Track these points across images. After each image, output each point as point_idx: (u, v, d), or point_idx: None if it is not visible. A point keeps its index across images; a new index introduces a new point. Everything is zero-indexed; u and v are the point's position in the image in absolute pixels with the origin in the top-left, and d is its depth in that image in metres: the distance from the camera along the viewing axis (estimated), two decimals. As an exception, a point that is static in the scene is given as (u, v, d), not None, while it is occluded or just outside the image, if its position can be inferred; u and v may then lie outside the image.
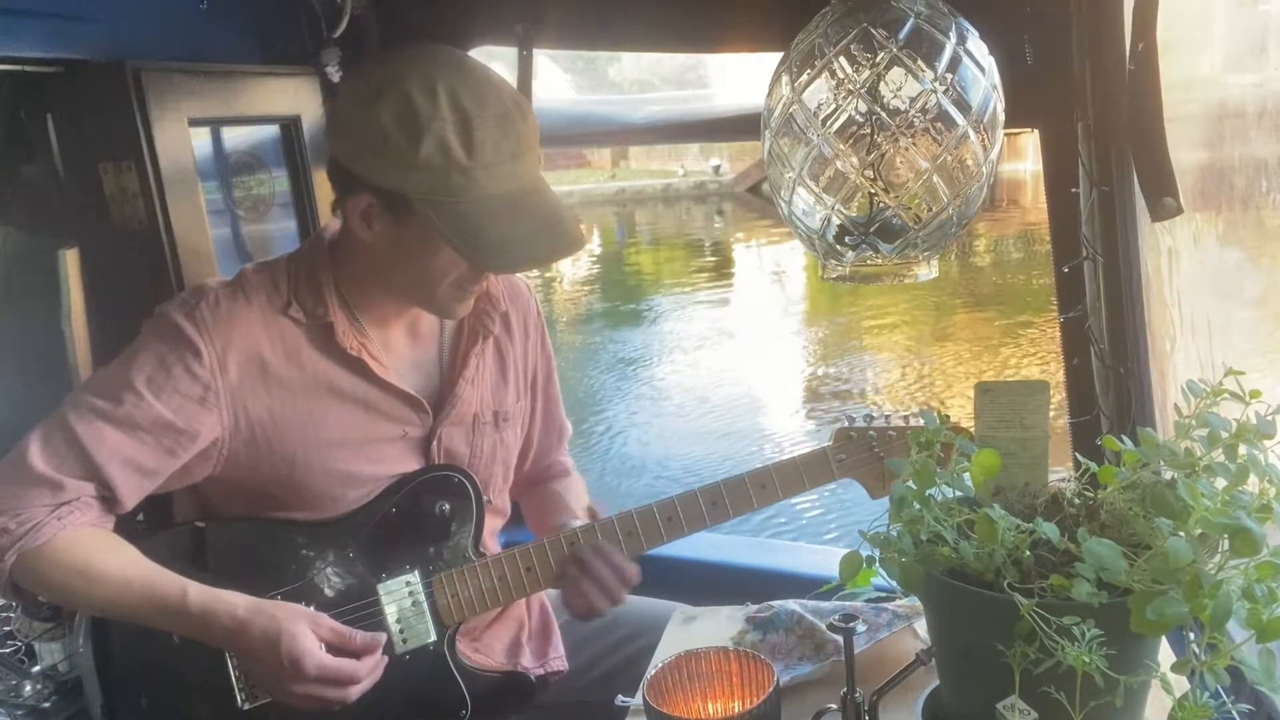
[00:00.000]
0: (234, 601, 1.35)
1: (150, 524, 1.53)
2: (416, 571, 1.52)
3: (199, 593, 1.35)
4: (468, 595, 1.52)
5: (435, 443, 1.56)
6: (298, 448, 1.46)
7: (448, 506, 1.54)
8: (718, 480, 1.60)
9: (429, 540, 1.54)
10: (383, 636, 1.41)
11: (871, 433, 1.63)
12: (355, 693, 1.36)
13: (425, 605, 1.51)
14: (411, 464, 1.55)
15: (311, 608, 1.44)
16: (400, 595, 1.50)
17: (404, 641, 1.50)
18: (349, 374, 1.48)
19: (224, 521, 1.51)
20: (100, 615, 1.40)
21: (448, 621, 1.52)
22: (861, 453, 1.63)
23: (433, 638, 1.51)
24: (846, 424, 1.66)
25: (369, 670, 1.37)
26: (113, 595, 1.34)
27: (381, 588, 1.50)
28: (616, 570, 1.52)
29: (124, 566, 1.36)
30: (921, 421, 1.59)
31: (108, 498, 1.39)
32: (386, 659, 1.41)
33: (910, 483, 1.07)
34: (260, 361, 1.43)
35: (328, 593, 1.48)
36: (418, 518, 1.53)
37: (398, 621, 1.50)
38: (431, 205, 1.33)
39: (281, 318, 1.46)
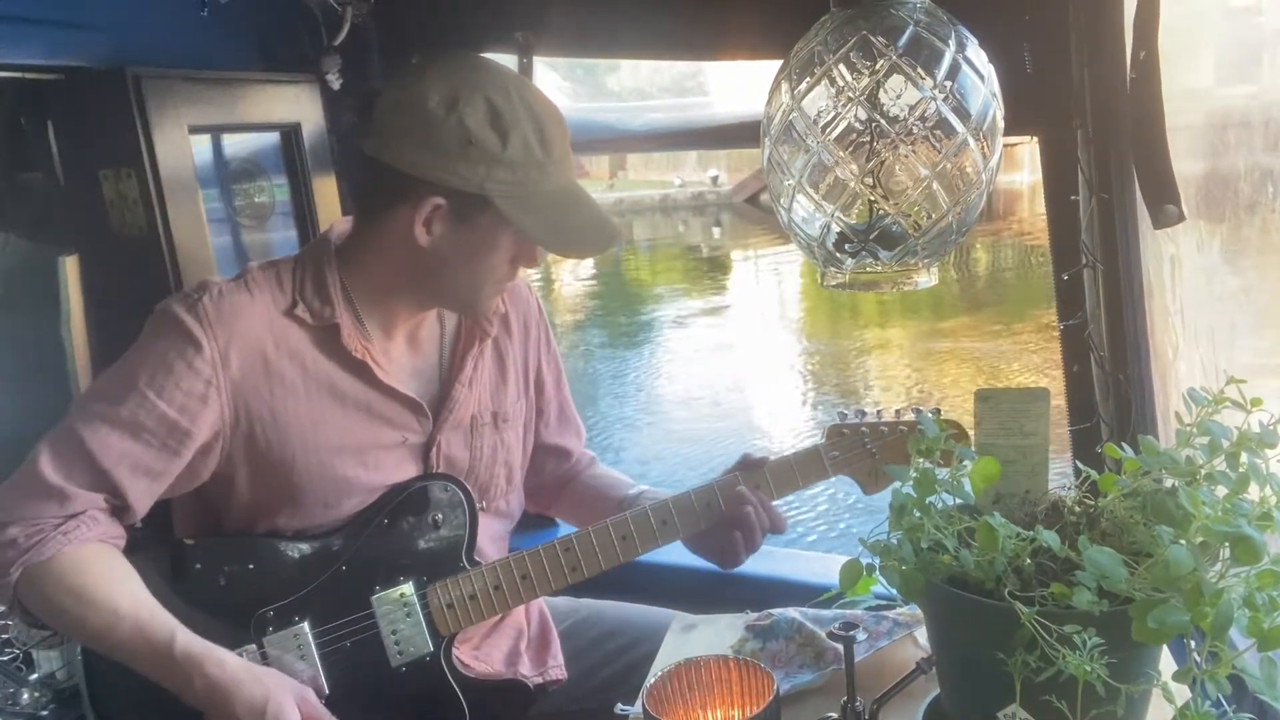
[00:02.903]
0: (223, 657, 1.32)
1: (147, 534, 1.52)
2: (410, 582, 1.50)
3: (187, 640, 1.32)
4: (463, 604, 1.52)
5: (435, 449, 1.56)
6: (297, 450, 1.45)
7: (440, 516, 1.54)
8: (713, 480, 1.60)
9: (422, 550, 1.53)
10: None
11: (864, 429, 1.63)
12: None
13: (420, 616, 1.50)
14: (411, 471, 1.55)
15: (306, 622, 1.45)
16: (395, 607, 1.49)
17: (400, 654, 1.49)
18: (351, 377, 1.48)
19: (217, 536, 1.50)
20: (87, 645, 1.38)
21: (444, 631, 1.52)
22: (854, 450, 1.63)
23: (429, 649, 1.50)
24: (839, 421, 1.66)
25: None
26: (100, 625, 1.31)
27: (375, 600, 1.48)
28: (774, 519, 1.58)
29: (117, 597, 1.33)
30: (913, 417, 1.60)
31: (118, 506, 1.38)
32: None
33: (910, 490, 1.07)
34: (263, 358, 1.43)
35: (321, 606, 1.46)
36: (410, 528, 1.52)
37: (393, 633, 1.49)
38: (511, 201, 1.39)
39: (286, 318, 1.45)
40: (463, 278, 1.47)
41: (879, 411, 1.65)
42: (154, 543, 1.48)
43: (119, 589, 1.34)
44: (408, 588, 1.50)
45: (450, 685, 1.52)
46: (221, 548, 1.48)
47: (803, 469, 1.63)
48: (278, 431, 1.44)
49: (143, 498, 1.39)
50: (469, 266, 1.45)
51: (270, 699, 1.31)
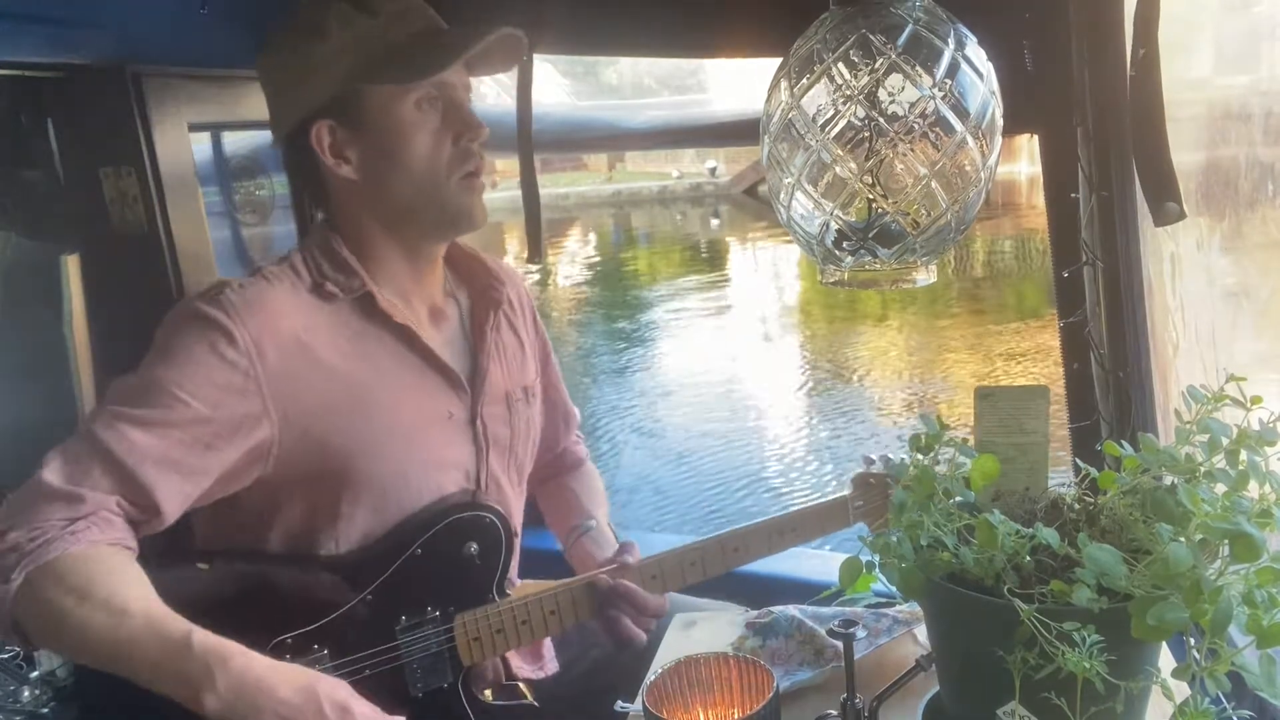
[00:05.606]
0: (248, 650, 1.17)
1: (158, 549, 1.39)
2: (438, 614, 1.46)
3: (206, 635, 1.16)
4: (489, 638, 1.48)
5: (479, 424, 1.52)
6: (352, 439, 1.37)
7: (476, 548, 1.48)
8: (740, 526, 1.65)
9: (453, 582, 1.47)
10: None
11: (889, 480, 1.63)
12: None
13: (445, 649, 1.46)
14: (461, 448, 1.50)
15: (327, 650, 1.38)
16: (420, 638, 1.44)
17: (420, 684, 1.45)
18: (396, 343, 1.43)
19: (235, 557, 1.42)
20: (88, 658, 1.18)
21: (466, 663, 1.48)
22: (879, 499, 1.65)
23: (449, 679, 1.47)
24: (865, 468, 1.68)
25: None
26: (105, 624, 1.14)
27: (401, 630, 1.44)
28: (643, 610, 1.56)
29: (126, 594, 1.17)
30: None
31: (143, 508, 1.25)
32: None
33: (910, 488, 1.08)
34: (299, 343, 1.34)
35: (344, 635, 1.40)
36: (444, 560, 1.46)
37: (416, 664, 1.45)
38: (369, 74, 1.37)
39: (313, 297, 1.39)
40: (409, 178, 1.42)
41: (903, 459, 1.65)
42: (165, 563, 1.35)
43: (129, 589, 1.18)
44: (435, 620, 1.46)
45: (466, 713, 1.50)
46: (241, 569, 1.41)
47: (828, 519, 1.68)
48: (332, 422, 1.36)
49: (173, 497, 1.26)
50: (404, 164, 1.41)
51: (321, 679, 1.18)
